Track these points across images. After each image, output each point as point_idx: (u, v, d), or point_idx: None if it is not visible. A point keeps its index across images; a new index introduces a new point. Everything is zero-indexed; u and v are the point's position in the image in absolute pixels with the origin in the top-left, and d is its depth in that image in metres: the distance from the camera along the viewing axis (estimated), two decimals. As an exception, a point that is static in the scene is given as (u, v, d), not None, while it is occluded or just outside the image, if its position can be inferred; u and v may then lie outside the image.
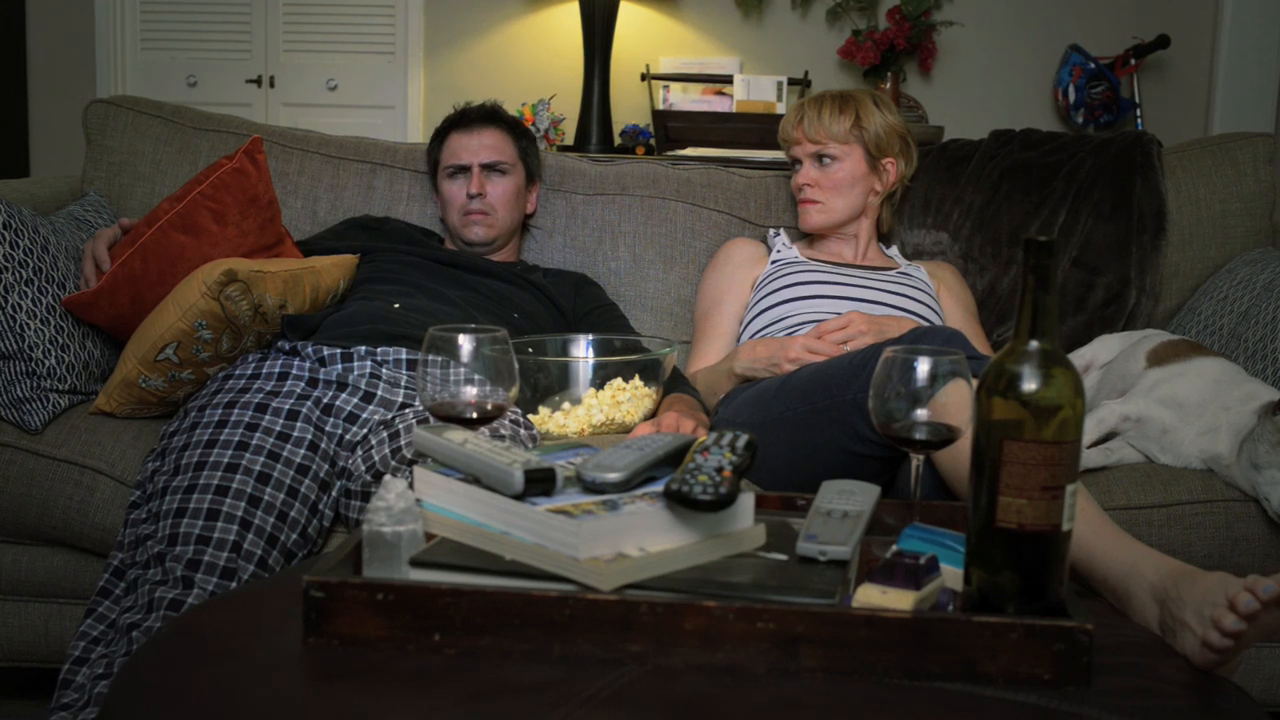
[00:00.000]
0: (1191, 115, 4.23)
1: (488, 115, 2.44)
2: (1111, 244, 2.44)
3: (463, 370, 1.33)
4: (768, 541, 1.23)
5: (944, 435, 1.27)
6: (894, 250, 2.46)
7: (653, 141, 3.86)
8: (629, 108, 4.20)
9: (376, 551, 1.15)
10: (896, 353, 1.28)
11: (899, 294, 2.26)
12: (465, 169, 2.38)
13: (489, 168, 2.39)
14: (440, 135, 2.46)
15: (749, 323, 2.31)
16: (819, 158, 2.34)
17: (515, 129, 2.46)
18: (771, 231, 2.48)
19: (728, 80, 3.96)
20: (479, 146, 2.40)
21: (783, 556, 1.19)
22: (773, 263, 2.38)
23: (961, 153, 2.59)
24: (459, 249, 2.41)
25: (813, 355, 2.02)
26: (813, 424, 1.85)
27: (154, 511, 1.74)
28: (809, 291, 2.25)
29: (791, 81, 3.92)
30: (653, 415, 2.08)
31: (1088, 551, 1.40)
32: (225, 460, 1.74)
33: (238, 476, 1.72)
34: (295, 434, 1.81)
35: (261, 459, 1.75)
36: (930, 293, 2.31)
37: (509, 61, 4.35)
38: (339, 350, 1.93)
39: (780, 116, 3.55)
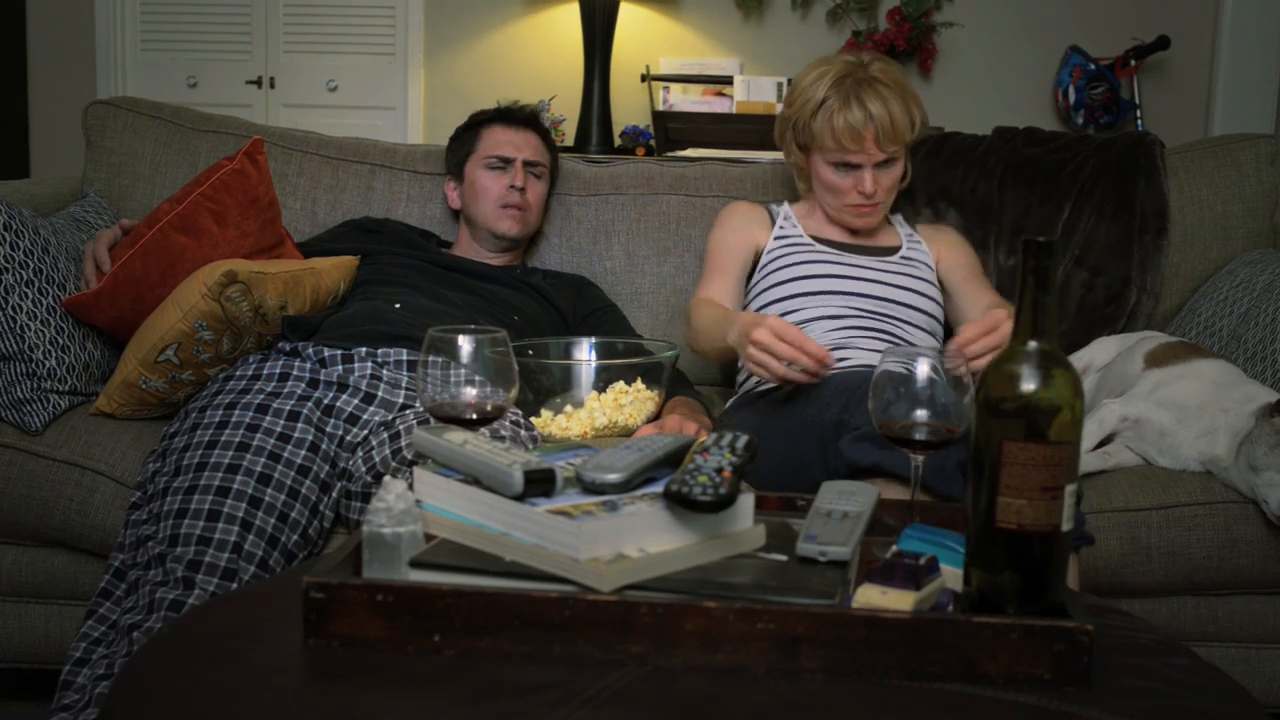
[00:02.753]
0: (1191, 116, 4.23)
1: (531, 119, 2.46)
2: (1113, 244, 2.44)
3: (463, 371, 1.33)
4: (767, 542, 1.23)
5: (943, 435, 1.28)
6: (898, 218, 2.38)
7: (653, 142, 3.86)
8: (629, 109, 4.20)
9: (376, 552, 1.15)
10: (896, 352, 1.29)
11: (902, 284, 2.20)
12: (509, 162, 2.38)
13: (530, 166, 2.40)
14: (477, 125, 2.46)
15: (752, 299, 2.24)
16: (884, 162, 2.19)
17: (548, 139, 2.49)
18: (774, 205, 2.38)
19: (728, 81, 3.96)
20: (524, 143, 2.41)
21: (783, 557, 1.19)
22: (777, 238, 2.27)
23: (964, 146, 2.58)
24: (463, 252, 2.40)
25: (771, 360, 1.83)
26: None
27: (155, 512, 1.74)
28: (815, 287, 2.18)
29: (791, 83, 3.92)
30: (655, 418, 2.08)
31: None
32: (226, 461, 1.74)
33: (238, 477, 1.73)
34: (296, 435, 1.81)
35: (262, 460, 1.75)
36: (931, 274, 2.26)
37: (509, 62, 4.35)
38: (339, 351, 1.93)
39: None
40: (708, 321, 2.08)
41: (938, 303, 2.23)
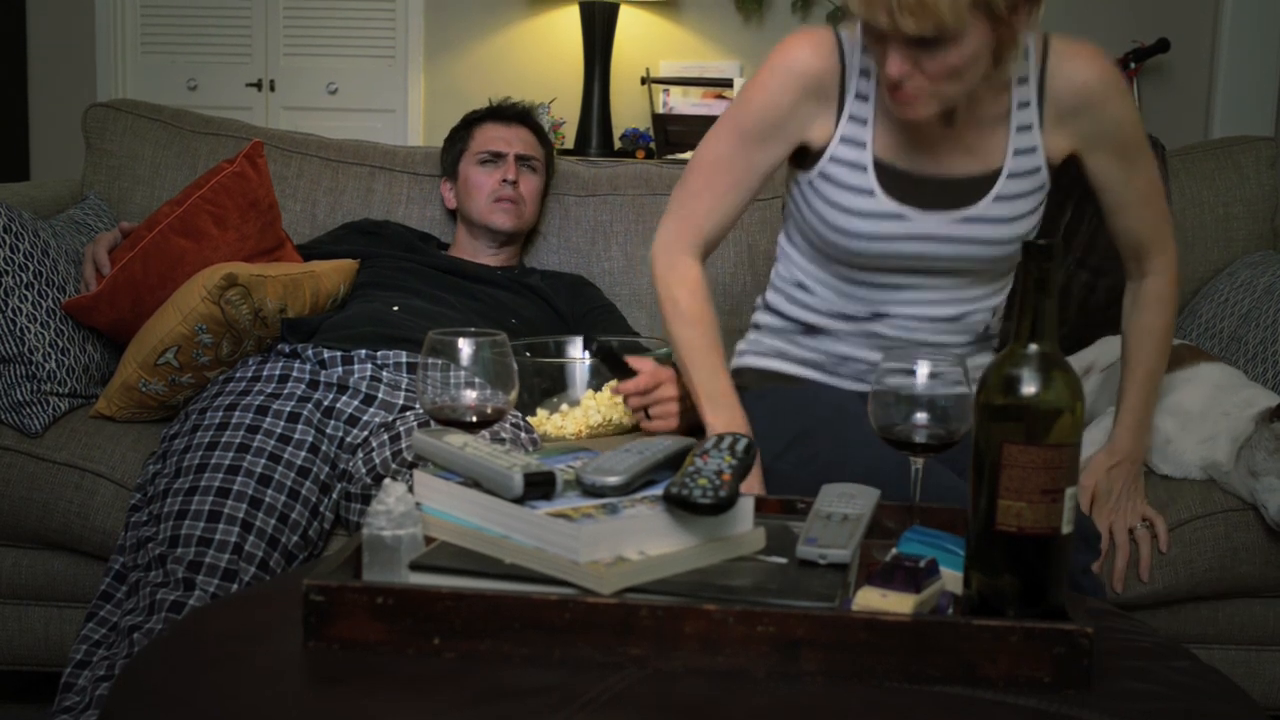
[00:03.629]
0: (1191, 118, 4.23)
1: (523, 114, 2.48)
2: (1115, 246, 2.44)
3: (462, 374, 1.33)
4: (767, 545, 1.23)
5: (944, 439, 1.28)
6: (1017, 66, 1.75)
7: (653, 145, 3.86)
8: (629, 111, 4.20)
9: (376, 555, 1.15)
10: (895, 354, 1.28)
11: (980, 254, 1.74)
12: (500, 157, 2.39)
13: (523, 160, 2.40)
14: (469, 124, 2.47)
15: (784, 248, 1.86)
16: (927, 43, 1.53)
17: (542, 134, 2.50)
18: (859, 50, 1.71)
19: (728, 84, 3.96)
20: (515, 138, 2.42)
21: (783, 560, 1.19)
22: (834, 158, 1.71)
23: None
24: (461, 253, 2.40)
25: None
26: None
27: (155, 514, 1.74)
28: (858, 310, 1.78)
29: (791, 85, 3.92)
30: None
31: None
32: (226, 462, 1.74)
33: (239, 479, 1.73)
34: (296, 436, 1.81)
35: (263, 461, 1.75)
36: (1035, 205, 1.75)
37: (509, 65, 4.35)
38: (339, 353, 1.93)
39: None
40: (696, 353, 1.76)
41: (1018, 237, 1.77)
